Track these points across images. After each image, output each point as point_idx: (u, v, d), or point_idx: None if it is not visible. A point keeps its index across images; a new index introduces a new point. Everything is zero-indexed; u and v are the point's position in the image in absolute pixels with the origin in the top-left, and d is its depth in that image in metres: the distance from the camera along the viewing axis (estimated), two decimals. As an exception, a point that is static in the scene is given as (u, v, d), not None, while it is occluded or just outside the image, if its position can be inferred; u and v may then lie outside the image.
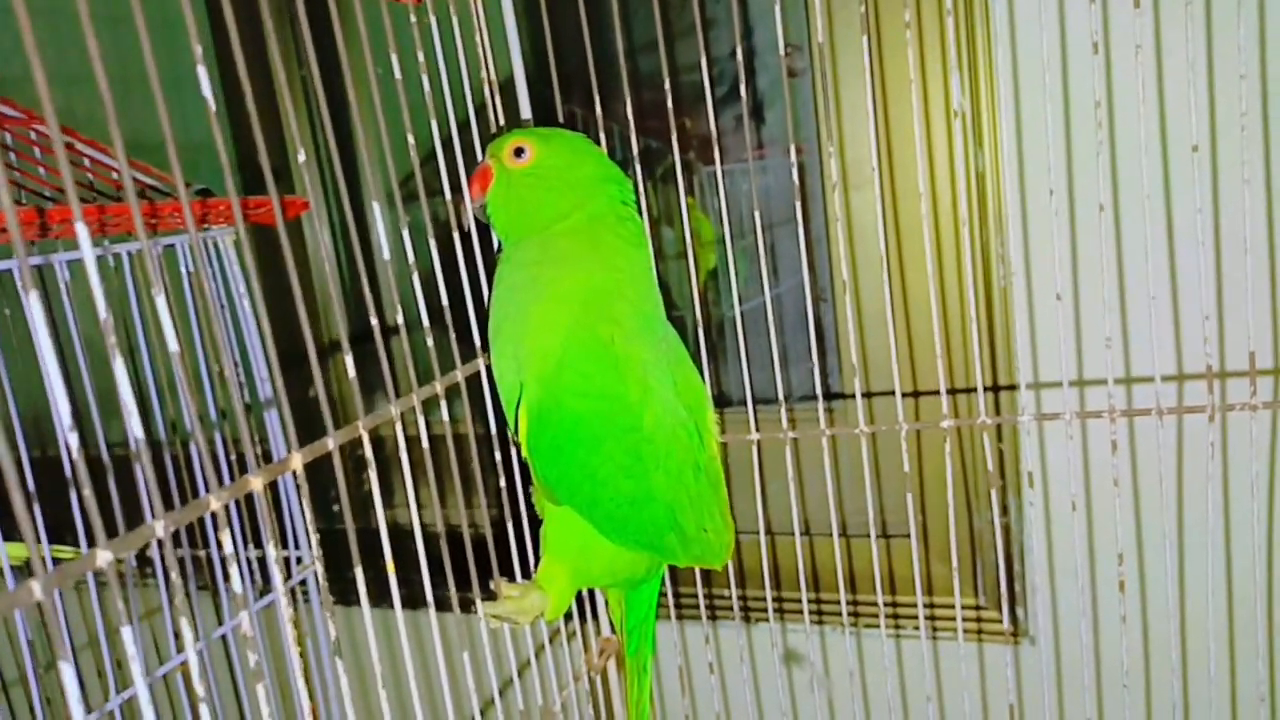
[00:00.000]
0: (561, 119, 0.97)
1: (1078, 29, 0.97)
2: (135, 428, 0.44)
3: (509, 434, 0.79)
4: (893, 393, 0.85)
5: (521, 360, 0.75)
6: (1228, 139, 0.93)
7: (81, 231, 0.43)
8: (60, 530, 0.99)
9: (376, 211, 0.64)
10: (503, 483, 0.83)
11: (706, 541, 0.81)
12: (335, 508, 1.58)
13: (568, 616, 0.94)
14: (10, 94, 0.99)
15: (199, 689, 0.48)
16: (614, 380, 0.73)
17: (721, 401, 1.37)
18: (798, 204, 0.85)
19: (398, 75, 0.70)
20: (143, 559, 1.38)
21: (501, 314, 0.77)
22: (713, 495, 0.81)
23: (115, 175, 0.96)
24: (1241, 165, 0.93)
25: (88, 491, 0.43)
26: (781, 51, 0.86)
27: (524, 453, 0.77)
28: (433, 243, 0.74)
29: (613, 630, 0.98)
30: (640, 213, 0.82)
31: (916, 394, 1.19)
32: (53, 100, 0.42)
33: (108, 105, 0.44)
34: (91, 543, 0.89)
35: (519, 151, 0.77)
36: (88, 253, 0.43)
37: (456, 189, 0.82)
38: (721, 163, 1.34)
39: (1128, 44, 0.90)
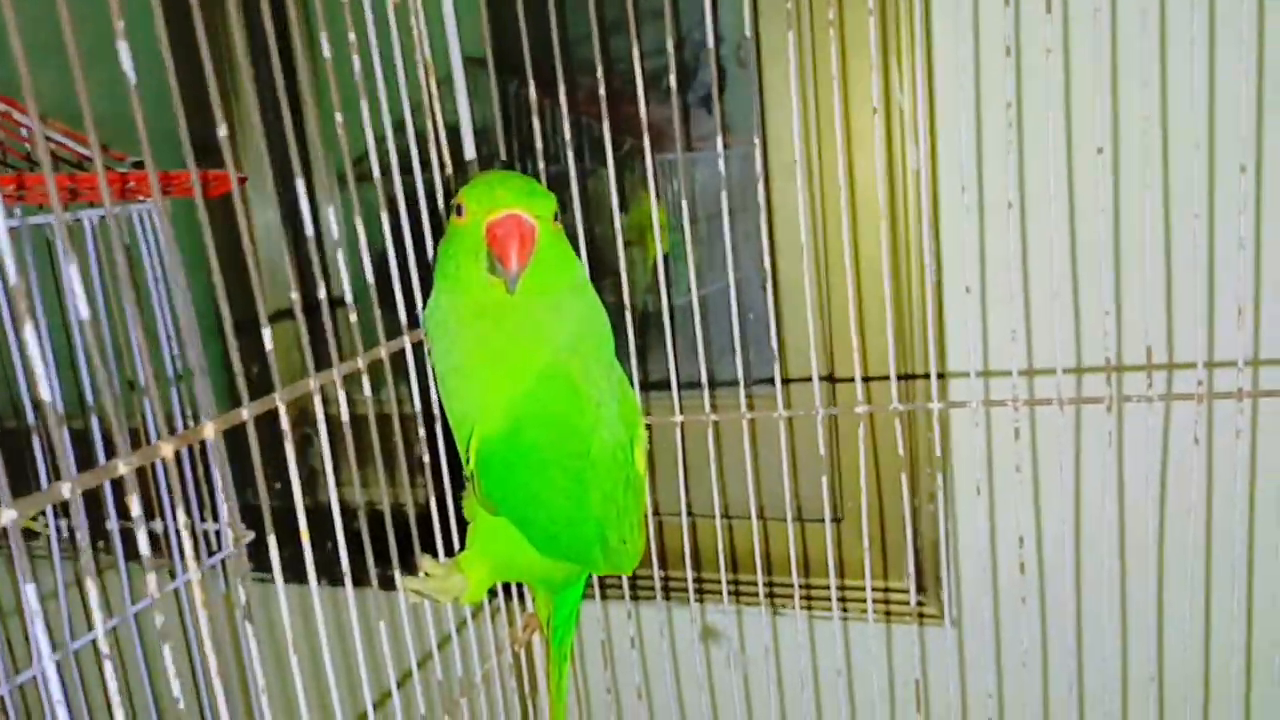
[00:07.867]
0: (516, 104, 0.98)
1: (992, 32, 1.00)
2: (46, 392, 0.45)
3: (462, 463, 0.78)
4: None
5: (488, 393, 0.74)
6: (1129, 143, 0.97)
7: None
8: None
9: (330, 193, 0.65)
10: (427, 457, 0.84)
11: (624, 551, 0.84)
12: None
13: (492, 593, 0.96)
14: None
15: (103, 647, 0.49)
16: (572, 410, 0.75)
17: (650, 386, 1.39)
18: (724, 194, 0.88)
19: (356, 65, 0.71)
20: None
21: (483, 350, 0.74)
22: (635, 507, 0.84)
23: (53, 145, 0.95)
24: (1143, 169, 0.97)
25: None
26: (710, 43, 0.88)
27: (468, 469, 0.77)
28: (377, 220, 0.75)
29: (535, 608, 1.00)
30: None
31: (833, 379, 1.22)
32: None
33: (23, 72, 0.45)
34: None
35: (556, 213, 0.73)
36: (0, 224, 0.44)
37: (407, 170, 0.82)
38: (665, 152, 1.37)
39: (1038, 47, 0.94)
